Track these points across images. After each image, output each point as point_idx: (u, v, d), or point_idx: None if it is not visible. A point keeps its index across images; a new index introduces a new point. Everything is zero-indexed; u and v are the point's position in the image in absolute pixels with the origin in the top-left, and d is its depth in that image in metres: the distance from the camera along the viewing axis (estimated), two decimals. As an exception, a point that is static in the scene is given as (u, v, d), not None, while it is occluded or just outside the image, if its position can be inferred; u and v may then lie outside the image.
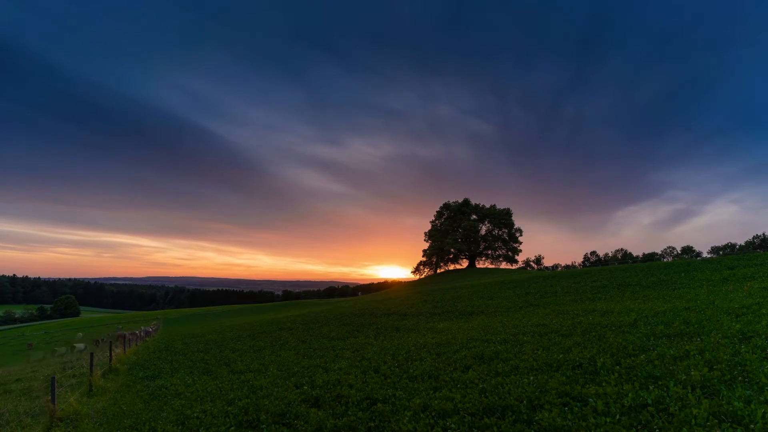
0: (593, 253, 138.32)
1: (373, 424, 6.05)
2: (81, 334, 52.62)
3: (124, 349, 19.96)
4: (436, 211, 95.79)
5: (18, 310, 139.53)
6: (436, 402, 6.50)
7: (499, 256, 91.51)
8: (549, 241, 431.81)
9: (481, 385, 7.10)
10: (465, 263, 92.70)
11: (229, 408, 7.91)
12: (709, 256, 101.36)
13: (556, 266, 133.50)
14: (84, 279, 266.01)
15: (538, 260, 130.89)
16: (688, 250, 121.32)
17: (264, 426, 6.64)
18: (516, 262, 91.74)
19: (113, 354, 16.83)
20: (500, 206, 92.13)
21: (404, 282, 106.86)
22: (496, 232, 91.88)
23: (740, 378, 5.60)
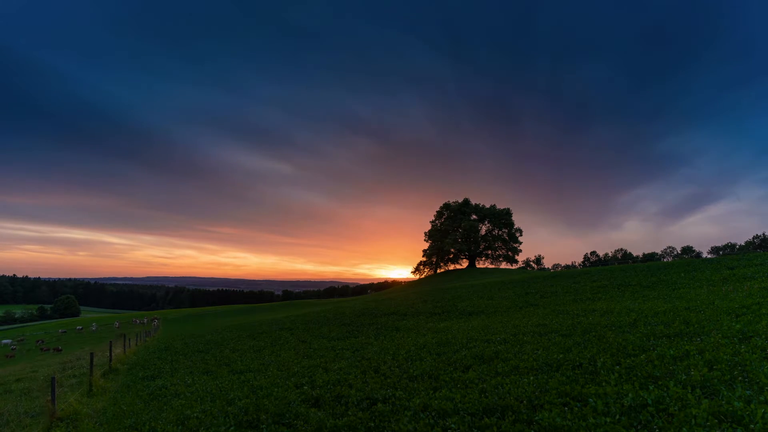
0: (593, 253, 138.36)
1: (373, 424, 6.05)
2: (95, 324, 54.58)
3: (124, 349, 19.96)
4: (436, 211, 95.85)
5: (18, 310, 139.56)
6: (436, 402, 6.50)
7: (499, 256, 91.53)
8: (546, 234, 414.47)
9: (481, 385, 7.10)
10: (465, 263, 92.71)
11: (229, 408, 7.91)
12: (709, 256, 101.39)
13: (556, 266, 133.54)
14: (84, 279, 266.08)
15: (538, 260, 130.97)
16: (688, 250, 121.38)
17: (264, 426, 6.64)
18: (516, 262, 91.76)
19: (113, 354, 16.83)
20: (500, 206, 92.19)
21: (404, 282, 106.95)
22: (496, 232, 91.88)
23: (740, 378, 5.60)
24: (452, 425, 5.55)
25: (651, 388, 5.70)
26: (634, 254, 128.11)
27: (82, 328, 57.28)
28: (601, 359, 7.50)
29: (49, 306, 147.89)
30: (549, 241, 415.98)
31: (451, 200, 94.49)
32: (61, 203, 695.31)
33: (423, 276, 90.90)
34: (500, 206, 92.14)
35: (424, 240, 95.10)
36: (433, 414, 6.09)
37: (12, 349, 40.47)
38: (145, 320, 61.54)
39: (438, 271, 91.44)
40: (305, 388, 8.68)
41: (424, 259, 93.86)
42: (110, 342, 17.17)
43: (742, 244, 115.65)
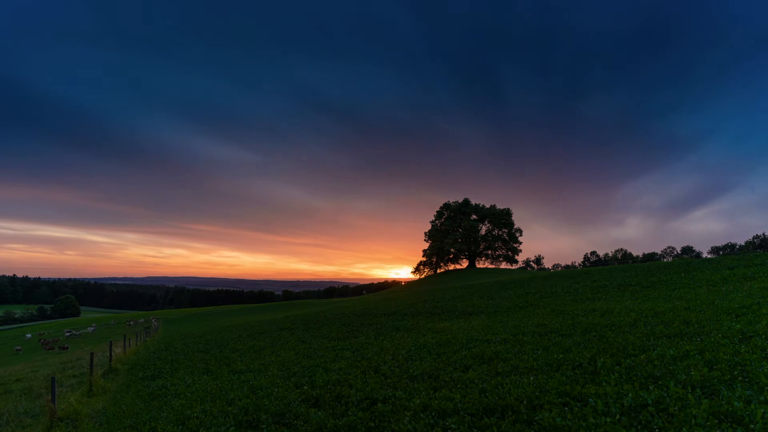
0: (593, 253, 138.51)
1: (373, 424, 6.05)
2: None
3: (124, 349, 19.96)
4: (436, 211, 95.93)
5: (18, 310, 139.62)
6: (436, 402, 6.50)
7: (499, 256, 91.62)
8: (543, 230, 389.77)
9: (481, 385, 7.10)
10: (465, 263, 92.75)
11: (229, 408, 7.91)
12: (709, 256, 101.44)
13: (556, 266, 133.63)
14: (84, 279, 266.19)
15: (538, 260, 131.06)
16: (688, 250, 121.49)
17: (264, 426, 6.64)
18: (516, 262, 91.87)
19: (113, 354, 16.83)
20: (500, 206, 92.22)
21: (404, 282, 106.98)
22: (496, 232, 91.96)
23: (740, 378, 5.60)
24: (452, 425, 5.55)
25: (651, 388, 5.70)
26: (634, 254, 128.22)
27: (77, 332, 57.07)
28: (601, 359, 7.50)
29: (49, 306, 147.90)
30: (546, 238, 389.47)
31: (451, 200, 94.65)
32: (22, 197, 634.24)
33: (423, 276, 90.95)
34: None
35: (424, 240, 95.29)
36: (433, 414, 6.09)
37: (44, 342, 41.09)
38: (142, 320, 61.36)
39: (438, 271, 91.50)
40: (305, 388, 8.68)
41: (424, 259, 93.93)
42: (110, 342, 17.18)
43: (742, 244, 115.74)
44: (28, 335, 54.85)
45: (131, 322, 61.09)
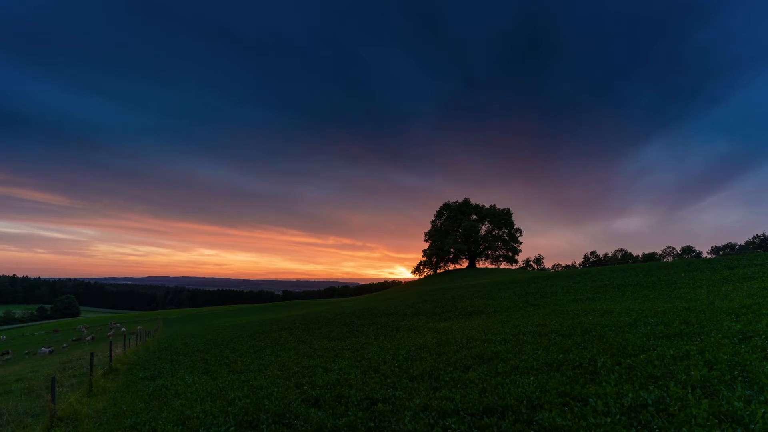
0: (593, 253, 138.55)
1: (373, 424, 6.05)
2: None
3: (124, 349, 19.96)
4: (436, 211, 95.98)
5: (18, 310, 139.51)
6: (436, 402, 6.50)
7: (499, 256, 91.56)
8: (541, 226, 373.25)
9: (481, 385, 7.10)
10: (465, 263, 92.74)
11: (229, 408, 7.91)
12: (709, 256, 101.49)
13: (556, 266, 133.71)
14: (84, 279, 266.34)
15: (538, 260, 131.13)
16: (688, 250, 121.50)
17: (264, 426, 6.64)
18: (516, 262, 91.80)
19: (113, 354, 16.83)
20: (500, 206, 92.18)
21: (404, 282, 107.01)
22: (496, 232, 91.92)
23: (740, 378, 5.59)
24: (452, 425, 5.55)
25: (651, 388, 5.70)
26: (634, 254, 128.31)
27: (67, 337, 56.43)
28: (601, 359, 7.50)
29: (49, 306, 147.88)
30: (543, 233, 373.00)
31: (451, 200, 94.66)
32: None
33: (423, 276, 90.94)
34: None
35: (424, 240, 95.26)
36: (433, 414, 6.09)
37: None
38: (118, 324, 53.96)
39: (438, 271, 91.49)
40: (305, 388, 8.68)
41: (424, 259, 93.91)
42: (110, 342, 17.17)
43: (742, 244, 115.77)
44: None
45: (116, 324, 54.75)
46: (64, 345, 36.45)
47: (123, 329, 45.72)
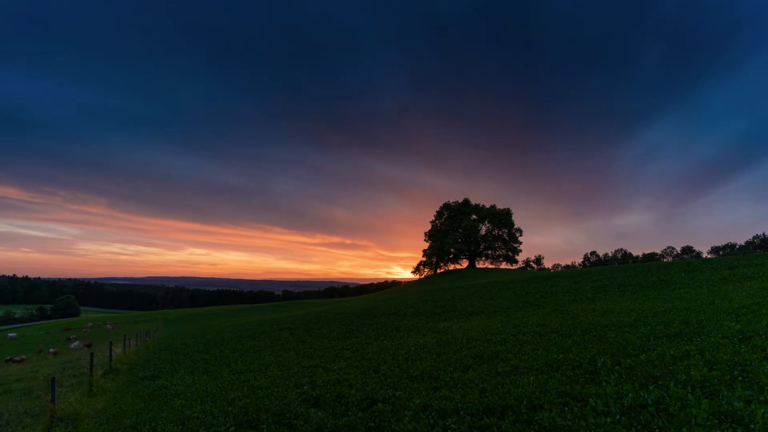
0: (593, 253, 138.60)
1: (373, 424, 6.05)
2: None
3: (124, 349, 19.96)
4: (436, 211, 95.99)
5: (18, 310, 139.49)
6: (436, 402, 6.50)
7: (499, 256, 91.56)
8: (539, 223, 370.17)
9: (481, 385, 7.09)
10: (465, 263, 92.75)
11: (229, 408, 7.91)
12: (709, 256, 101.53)
13: (556, 266, 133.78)
14: (84, 279, 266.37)
15: (538, 260, 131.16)
16: (687, 250, 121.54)
17: (264, 426, 6.64)
18: (516, 262, 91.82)
19: (113, 354, 16.83)
20: (500, 205, 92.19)
21: (404, 282, 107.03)
22: (496, 232, 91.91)
23: (740, 378, 5.59)
24: (452, 425, 5.55)
25: (651, 388, 5.70)
26: (634, 254, 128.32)
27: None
28: (601, 359, 7.50)
29: (49, 306, 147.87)
30: (540, 230, 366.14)
31: (451, 200, 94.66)
32: None
33: (423, 276, 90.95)
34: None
35: (424, 240, 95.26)
36: (433, 414, 6.09)
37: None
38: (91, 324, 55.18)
39: (438, 271, 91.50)
40: (305, 388, 8.68)
41: (424, 259, 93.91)
42: (110, 342, 17.18)
43: (742, 243, 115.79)
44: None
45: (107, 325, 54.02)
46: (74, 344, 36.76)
47: (110, 327, 45.50)
